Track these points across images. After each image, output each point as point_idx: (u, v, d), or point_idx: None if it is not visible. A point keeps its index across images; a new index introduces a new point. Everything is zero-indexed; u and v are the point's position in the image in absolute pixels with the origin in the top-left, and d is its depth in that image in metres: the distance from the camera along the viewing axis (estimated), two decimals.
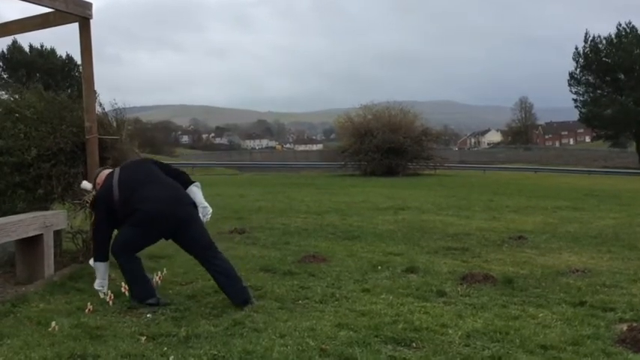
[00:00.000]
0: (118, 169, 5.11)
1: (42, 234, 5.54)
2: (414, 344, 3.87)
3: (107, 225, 4.94)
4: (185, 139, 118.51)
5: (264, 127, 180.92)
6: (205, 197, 5.18)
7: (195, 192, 5.07)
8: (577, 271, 6.18)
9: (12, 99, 6.94)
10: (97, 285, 5.01)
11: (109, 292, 4.91)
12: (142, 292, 4.81)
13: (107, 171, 5.22)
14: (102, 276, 5.00)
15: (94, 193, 5.20)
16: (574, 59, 40.74)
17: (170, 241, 5.10)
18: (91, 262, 5.08)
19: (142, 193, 4.81)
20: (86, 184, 5.39)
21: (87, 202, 5.43)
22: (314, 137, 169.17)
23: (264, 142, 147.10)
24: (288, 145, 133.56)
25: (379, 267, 6.35)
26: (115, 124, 6.66)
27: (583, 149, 67.93)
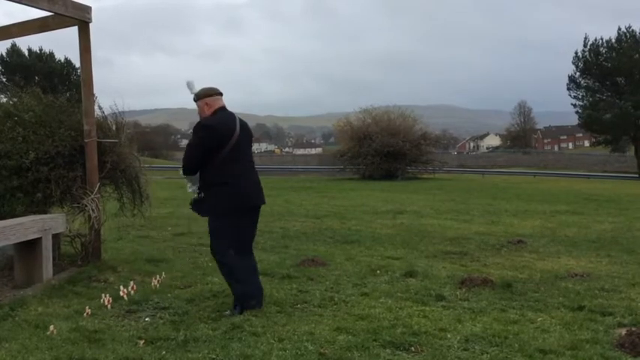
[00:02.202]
0: (238, 117, 4.73)
1: (40, 237, 5.53)
2: (412, 348, 3.87)
3: (202, 158, 4.54)
4: (184, 142, 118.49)
5: (263, 131, 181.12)
6: None
7: None
8: (576, 275, 6.18)
9: (11, 102, 6.94)
10: (191, 189, 4.72)
11: (107, 295, 4.90)
12: (245, 293, 4.64)
13: (223, 102, 4.75)
14: (194, 181, 4.69)
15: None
16: (573, 63, 40.80)
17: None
18: (182, 172, 4.74)
19: (238, 166, 4.60)
20: (192, 84, 4.79)
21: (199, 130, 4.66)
22: (313, 141, 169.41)
23: (263, 146, 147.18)
24: (287, 149, 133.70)
25: (378, 271, 6.35)
26: (114, 127, 6.66)
27: (582, 153, 68.11)
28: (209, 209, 4.64)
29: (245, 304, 4.61)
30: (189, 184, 4.77)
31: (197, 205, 4.71)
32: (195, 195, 4.70)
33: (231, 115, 4.70)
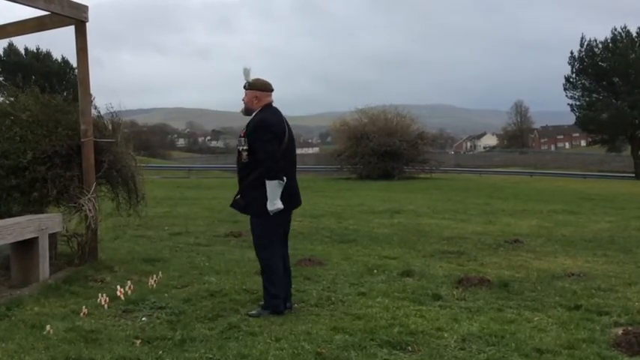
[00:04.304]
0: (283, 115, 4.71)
1: (37, 237, 5.52)
2: (409, 348, 3.87)
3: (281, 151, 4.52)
4: (181, 142, 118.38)
5: None
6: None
7: None
8: (572, 274, 6.19)
9: (8, 102, 6.93)
10: (277, 205, 4.48)
11: (104, 295, 4.89)
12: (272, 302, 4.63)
13: (272, 99, 4.71)
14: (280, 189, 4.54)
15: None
16: (569, 63, 40.87)
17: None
18: (272, 182, 4.47)
19: (288, 165, 4.61)
20: (248, 72, 4.67)
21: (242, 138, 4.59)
22: (310, 140, 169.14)
23: None
24: None
25: (375, 270, 6.35)
26: (110, 127, 6.65)
27: (578, 153, 68.22)
28: (262, 209, 4.50)
29: (275, 308, 4.61)
30: (275, 201, 4.48)
31: (248, 205, 4.65)
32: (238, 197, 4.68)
33: (280, 113, 4.72)
